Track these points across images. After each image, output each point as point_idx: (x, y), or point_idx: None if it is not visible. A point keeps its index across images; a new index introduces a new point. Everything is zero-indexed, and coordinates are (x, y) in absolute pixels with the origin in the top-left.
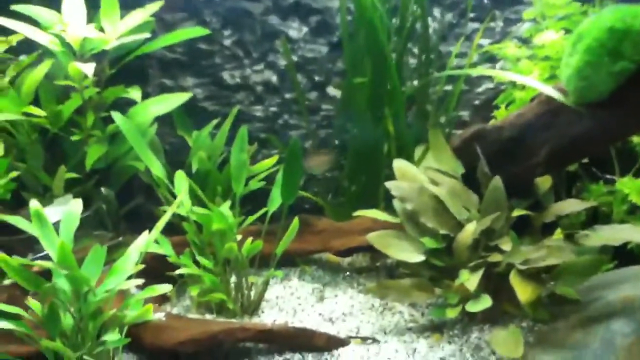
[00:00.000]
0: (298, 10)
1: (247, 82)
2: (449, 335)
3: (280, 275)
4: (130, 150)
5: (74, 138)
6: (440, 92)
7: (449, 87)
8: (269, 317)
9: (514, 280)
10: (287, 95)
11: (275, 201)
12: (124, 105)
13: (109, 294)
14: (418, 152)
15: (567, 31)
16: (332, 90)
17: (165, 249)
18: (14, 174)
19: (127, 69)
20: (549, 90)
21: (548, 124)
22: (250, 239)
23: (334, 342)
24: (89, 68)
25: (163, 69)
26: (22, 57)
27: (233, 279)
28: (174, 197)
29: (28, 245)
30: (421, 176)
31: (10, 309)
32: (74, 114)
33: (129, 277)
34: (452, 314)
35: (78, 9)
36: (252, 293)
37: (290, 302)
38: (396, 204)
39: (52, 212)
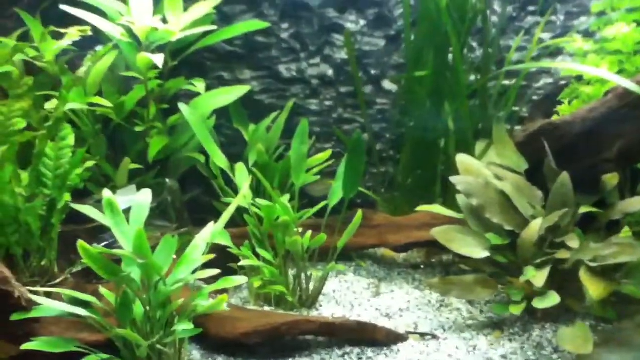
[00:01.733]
0: (356, 3)
1: (303, 76)
2: (510, 333)
3: (343, 269)
4: (188, 143)
5: (138, 129)
6: (499, 87)
7: (507, 82)
8: (327, 310)
9: (584, 277)
10: (343, 89)
11: (336, 195)
12: (182, 98)
13: (181, 284)
14: (479, 147)
15: (639, 24)
16: (388, 84)
17: (225, 240)
18: (90, 163)
19: (185, 61)
20: (629, 84)
21: (624, 118)
22: (310, 232)
23: (394, 338)
24: (158, 59)
25: (221, 62)
26: (98, 48)
27: (292, 271)
28: (232, 189)
29: (92, 234)
30: (486, 171)
31: (84, 296)
32: (135, 106)
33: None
34: (516, 310)
35: (145, 1)
36: (311, 286)
37: (346, 296)
38: (461, 199)
39: (119, 202)
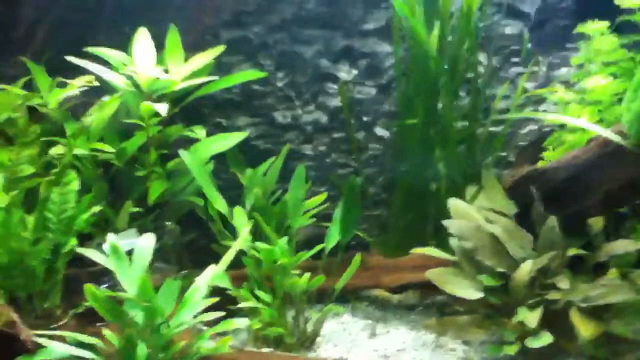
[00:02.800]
0: (348, 54)
1: (298, 122)
2: None
3: (341, 310)
4: (187, 187)
5: (139, 174)
6: (486, 134)
7: (493, 129)
8: (325, 352)
9: (575, 317)
10: (336, 135)
11: (333, 238)
12: (180, 143)
13: (184, 326)
14: (470, 191)
15: (615, 76)
16: (380, 130)
17: (225, 283)
18: (96, 208)
19: (184, 108)
20: (609, 134)
21: (606, 165)
22: (308, 274)
23: None
24: (162, 108)
25: (219, 109)
26: (105, 98)
27: (290, 313)
28: (230, 232)
29: (94, 277)
30: (477, 215)
31: (88, 339)
32: (135, 151)
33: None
34: (510, 350)
35: (148, 52)
36: (309, 328)
37: (343, 337)
38: (453, 241)
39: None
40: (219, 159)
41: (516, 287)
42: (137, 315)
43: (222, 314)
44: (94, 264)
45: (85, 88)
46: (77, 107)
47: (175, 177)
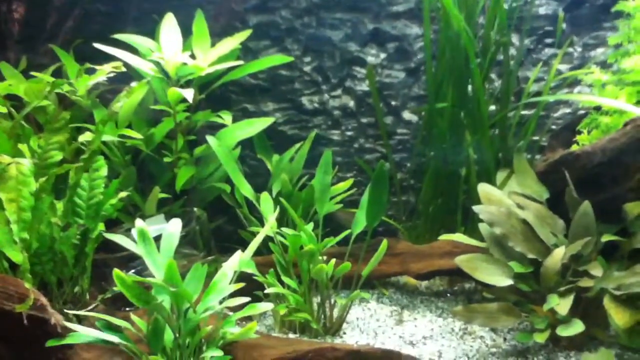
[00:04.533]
0: (376, 37)
1: (325, 107)
2: None
3: (367, 296)
4: (213, 173)
5: (167, 160)
6: (518, 117)
7: (525, 112)
8: (351, 338)
9: (609, 305)
10: (364, 120)
11: (360, 224)
12: (207, 129)
13: (210, 311)
14: (500, 176)
15: None
16: (408, 115)
17: (251, 268)
18: (123, 194)
19: (211, 93)
20: None
21: None
22: (334, 260)
23: None
24: (189, 94)
25: (245, 94)
26: (133, 84)
27: (316, 299)
28: (256, 217)
29: (122, 262)
30: (507, 200)
31: (117, 322)
32: (163, 137)
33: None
34: (540, 338)
35: (175, 38)
36: (335, 314)
37: (370, 323)
38: (483, 227)
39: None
40: (246, 145)
41: (547, 274)
42: (165, 300)
43: (248, 299)
44: (122, 249)
45: (113, 75)
46: (105, 94)
47: (202, 164)
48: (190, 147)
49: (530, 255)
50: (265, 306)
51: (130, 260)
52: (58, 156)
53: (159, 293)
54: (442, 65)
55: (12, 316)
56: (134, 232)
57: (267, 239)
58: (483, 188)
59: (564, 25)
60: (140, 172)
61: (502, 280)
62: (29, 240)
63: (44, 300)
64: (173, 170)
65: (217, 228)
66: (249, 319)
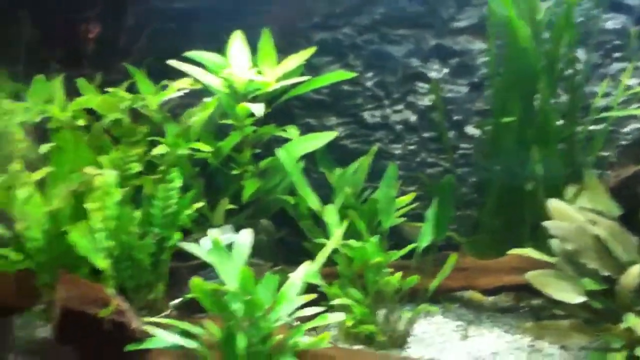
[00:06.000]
0: (439, 53)
1: (387, 122)
2: None
3: (436, 310)
4: (277, 185)
5: (234, 172)
6: (585, 132)
7: (593, 127)
8: (416, 351)
9: None
10: (425, 134)
11: (426, 237)
12: (275, 143)
13: (282, 321)
14: (569, 192)
15: None
16: (471, 129)
17: (316, 280)
18: (198, 204)
19: (275, 108)
20: None
21: None
22: (400, 273)
23: None
24: (258, 108)
25: (308, 109)
26: (207, 100)
27: (381, 311)
28: (321, 229)
29: (192, 271)
30: (579, 216)
31: (193, 329)
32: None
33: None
34: (616, 358)
35: (243, 55)
36: (400, 327)
37: (435, 338)
38: (554, 243)
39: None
40: (307, 158)
41: (623, 291)
42: (238, 308)
43: (322, 309)
44: (192, 258)
45: (186, 91)
46: (174, 108)
47: (266, 176)
48: (254, 160)
49: (604, 272)
50: (337, 316)
51: (199, 269)
52: (136, 168)
53: (232, 300)
54: (507, 80)
55: (94, 320)
56: (202, 241)
57: (332, 250)
58: (553, 204)
59: (633, 39)
60: (207, 183)
61: (574, 297)
62: (112, 247)
63: (124, 305)
64: (239, 183)
65: (279, 240)
66: (313, 329)
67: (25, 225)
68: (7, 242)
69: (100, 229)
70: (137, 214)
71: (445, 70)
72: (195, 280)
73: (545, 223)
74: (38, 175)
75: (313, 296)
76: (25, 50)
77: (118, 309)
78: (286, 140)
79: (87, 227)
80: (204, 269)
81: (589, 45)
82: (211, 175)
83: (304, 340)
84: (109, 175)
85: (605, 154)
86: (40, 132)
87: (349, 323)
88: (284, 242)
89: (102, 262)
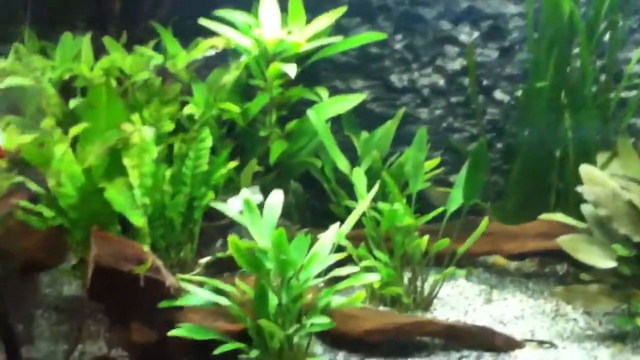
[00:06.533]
0: (470, 15)
1: (414, 85)
2: (633, 347)
3: (463, 274)
4: (304, 147)
5: (262, 133)
6: (617, 99)
7: (625, 94)
8: (442, 314)
9: None
10: (453, 99)
11: (456, 201)
12: (299, 105)
13: (314, 281)
14: (601, 158)
15: None
16: (499, 95)
17: (343, 241)
18: (234, 164)
19: (301, 70)
20: None
21: None
22: (427, 236)
23: (512, 344)
24: (291, 69)
25: (335, 71)
26: (242, 59)
27: (406, 274)
28: (347, 192)
29: (220, 230)
30: (612, 182)
31: (225, 287)
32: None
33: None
34: None
35: (274, 14)
36: (426, 290)
37: (459, 301)
38: (587, 208)
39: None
40: (332, 122)
41: None
42: (271, 267)
43: (356, 269)
44: (219, 218)
45: (218, 50)
46: (199, 70)
47: (293, 139)
48: (281, 123)
49: (636, 238)
50: (371, 277)
51: (227, 229)
52: (170, 126)
53: (264, 260)
54: (543, 43)
55: (129, 277)
56: (230, 201)
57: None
58: (586, 169)
59: None
60: (234, 145)
61: (605, 262)
62: (148, 205)
63: (159, 263)
64: (265, 145)
65: (306, 202)
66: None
67: (59, 182)
68: (39, 199)
69: (137, 186)
70: (168, 172)
71: (476, 34)
72: (232, 238)
73: (579, 188)
74: (74, 131)
75: (344, 254)
76: (50, 9)
77: (153, 266)
78: (312, 102)
79: (125, 184)
80: (231, 228)
81: (626, 10)
82: (237, 137)
83: (337, 300)
84: (146, 132)
85: (638, 121)
86: (64, 90)
87: (377, 285)
88: (308, 205)
89: (138, 220)
